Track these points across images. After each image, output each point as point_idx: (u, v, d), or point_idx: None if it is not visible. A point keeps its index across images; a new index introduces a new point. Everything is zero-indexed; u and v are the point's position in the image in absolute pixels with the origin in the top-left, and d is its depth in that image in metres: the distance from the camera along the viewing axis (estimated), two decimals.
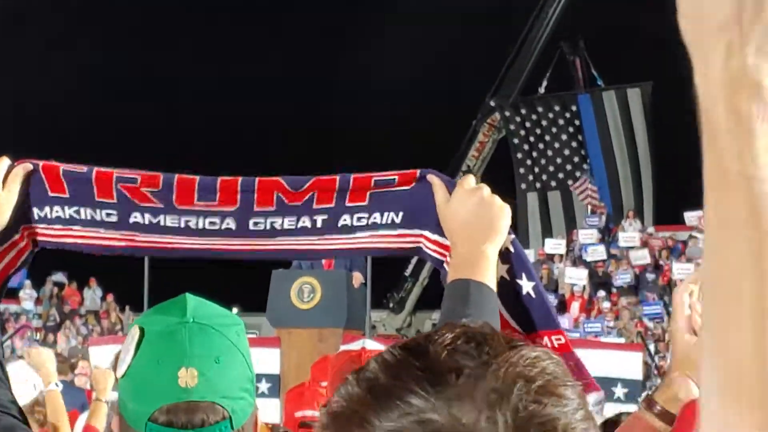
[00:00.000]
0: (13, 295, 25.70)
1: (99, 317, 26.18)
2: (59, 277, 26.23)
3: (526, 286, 2.10)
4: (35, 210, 2.14)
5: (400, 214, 2.11)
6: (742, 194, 0.96)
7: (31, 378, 5.17)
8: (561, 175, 28.72)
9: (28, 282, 25.88)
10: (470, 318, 1.84)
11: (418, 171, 2.10)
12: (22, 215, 2.11)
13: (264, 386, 15.46)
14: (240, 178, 2.14)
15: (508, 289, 2.07)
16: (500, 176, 27.62)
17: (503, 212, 1.99)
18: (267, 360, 15.33)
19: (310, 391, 4.12)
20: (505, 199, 2.01)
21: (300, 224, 2.13)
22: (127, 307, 25.28)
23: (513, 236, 2.06)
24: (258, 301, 19.04)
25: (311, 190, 2.12)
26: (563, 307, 22.24)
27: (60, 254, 2.22)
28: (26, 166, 2.12)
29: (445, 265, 2.07)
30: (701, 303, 1.91)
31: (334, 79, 38.89)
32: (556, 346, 2.10)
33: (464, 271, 1.92)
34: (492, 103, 28.72)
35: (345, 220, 2.13)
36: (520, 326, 2.10)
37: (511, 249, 2.08)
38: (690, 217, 24.12)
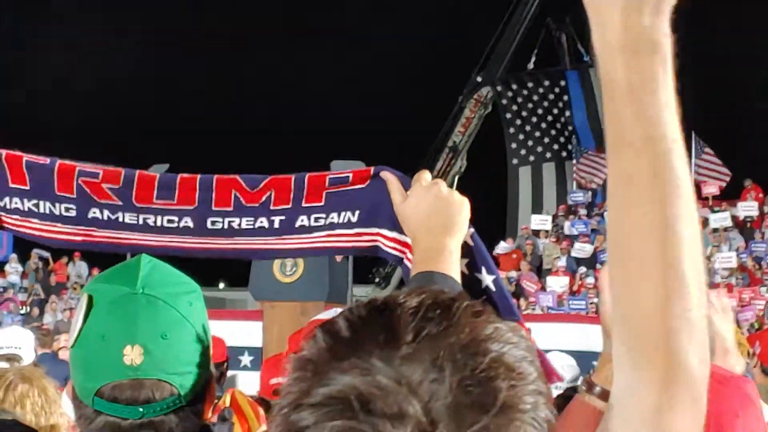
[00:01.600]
0: None
1: None
2: (40, 251, 26.07)
3: (486, 279, 2.08)
4: None
5: (357, 213, 2.11)
6: (645, 154, 0.97)
7: (32, 342, 5.87)
8: (556, 147, 28.69)
9: (14, 256, 25.78)
10: None
11: (372, 168, 2.10)
12: None
13: (246, 359, 15.46)
14: (198, 176, 2.14)
15: (467, 282, 2.05)
16: (486, 152, 27.63)
17: (462, 206, 1.97)
18: (249, 333, 15.33)
19: (286, 360, 4.10)
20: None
21: (258, 224, 2.14)
22: None
23: (472, 230, 2.05)
24: (243, 276, 19.04)
25: (268, 190, 2.12)
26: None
27: None
28: None
29: (405, 261, 2.07)
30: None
31: (317, 52, 38.76)
32: None
33: (428, 265, 1.90)
34: (479, 79, 28.65)
35: (302, 220, 2.13)
36: None
37: (471, 243, 2.06)
38: None
